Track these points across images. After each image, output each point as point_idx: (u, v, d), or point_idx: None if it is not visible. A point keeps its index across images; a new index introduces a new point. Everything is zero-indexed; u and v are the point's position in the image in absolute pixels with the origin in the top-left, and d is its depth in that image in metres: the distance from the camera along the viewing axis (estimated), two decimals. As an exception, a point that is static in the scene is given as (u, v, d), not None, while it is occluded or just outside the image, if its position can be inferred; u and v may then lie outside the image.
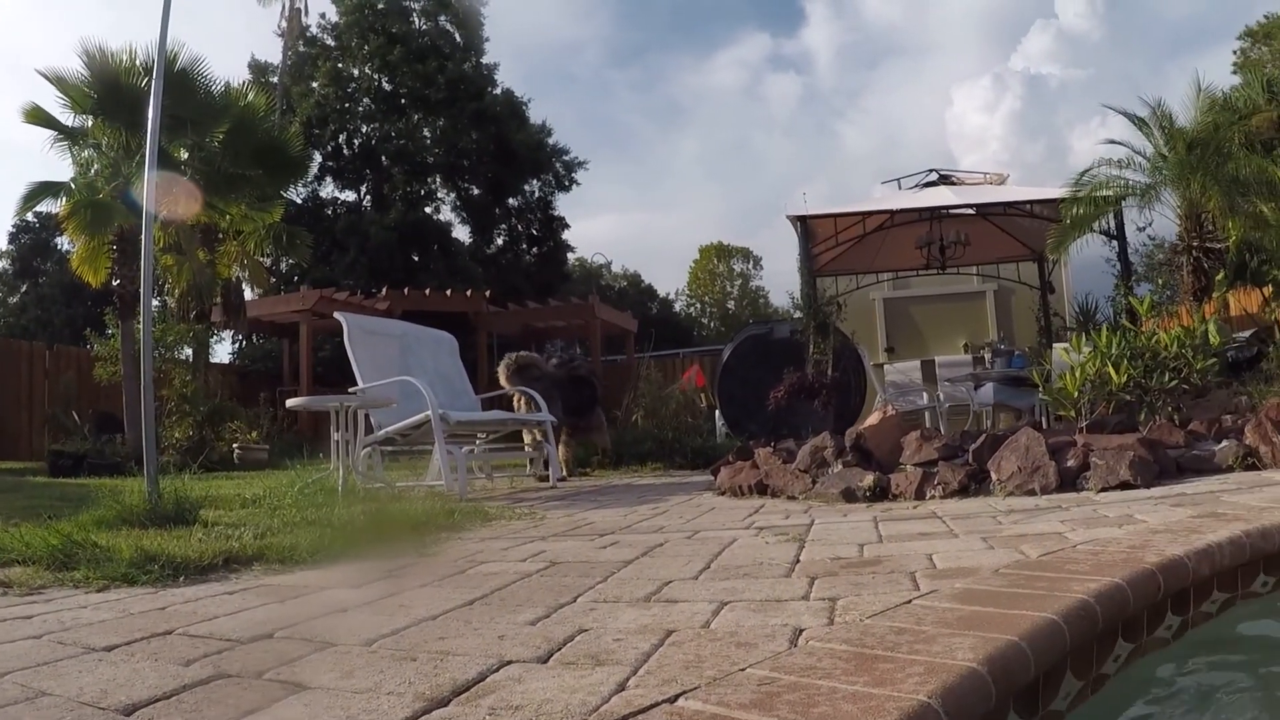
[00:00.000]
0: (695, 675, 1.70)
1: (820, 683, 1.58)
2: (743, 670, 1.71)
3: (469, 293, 22.78)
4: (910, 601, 2.24)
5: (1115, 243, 11.06)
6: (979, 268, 14.78)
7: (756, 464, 6.41)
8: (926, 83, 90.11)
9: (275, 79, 34.43)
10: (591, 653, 1.95)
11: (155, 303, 13.46)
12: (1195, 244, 10.56)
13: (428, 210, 35.06)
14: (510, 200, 37.02)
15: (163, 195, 12.32)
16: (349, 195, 35.84)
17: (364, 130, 35.39)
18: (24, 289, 35.92)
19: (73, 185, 13.85)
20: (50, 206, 14.81)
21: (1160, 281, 17.86)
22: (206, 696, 1.77)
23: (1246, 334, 10.53)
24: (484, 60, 36.77)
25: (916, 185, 13.78)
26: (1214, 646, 2.49)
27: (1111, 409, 6.23)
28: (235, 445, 13.26)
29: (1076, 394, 6.01)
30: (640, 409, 11.81)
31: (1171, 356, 5.98)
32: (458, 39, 36.23)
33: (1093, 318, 10.82)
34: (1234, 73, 28.06)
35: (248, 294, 17.94)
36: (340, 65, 35.06)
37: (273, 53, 45.58)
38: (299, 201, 32.11)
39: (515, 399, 9.24)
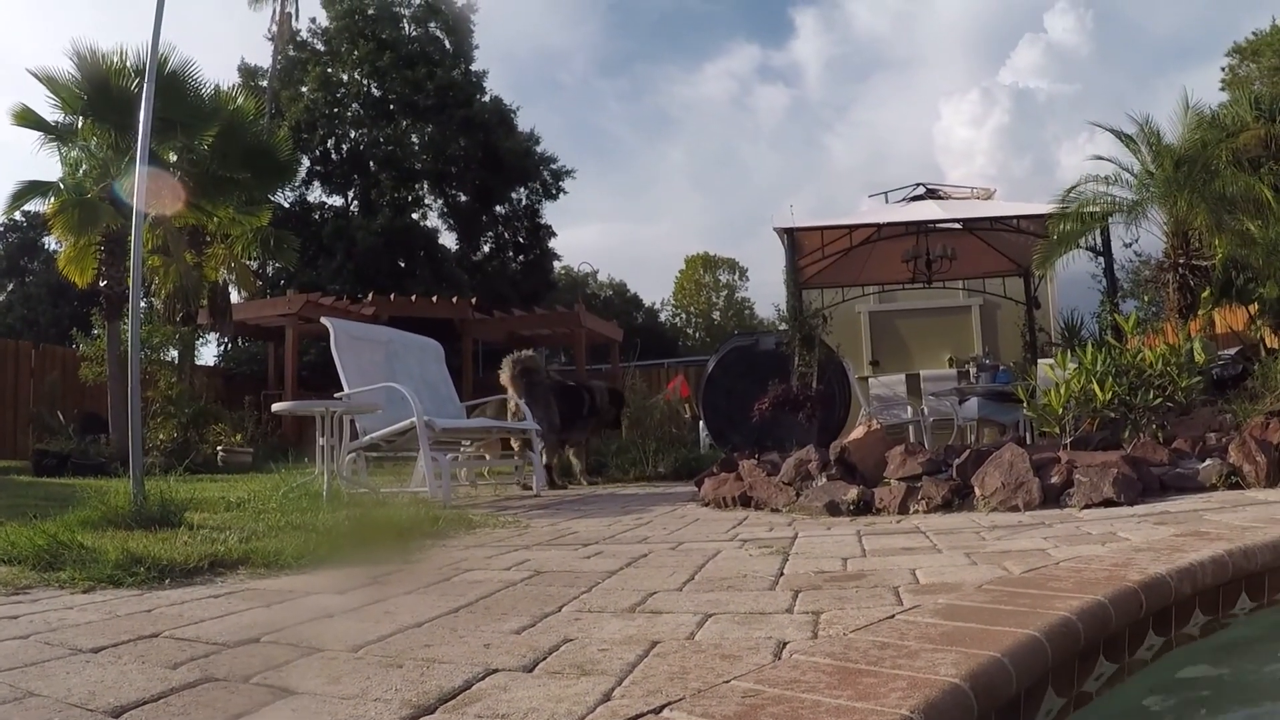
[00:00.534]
0: (680, 686, 1.72)
1: (804, 696, 1.60)
2: (727, 682, 1.73)
3: (455, 299, 22.75)
4: (894, 616, 2.26)
5: (1101, 259, 11.12)
6: (965, 282, 14.84)
7: (741, 476, 6.42)
8: (914, 96, 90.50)
9: (265, 83, 34.39)
10: (577, 662, 1.96)
11: (142, 304, 13.43)
12: (1181, 261, 10.61)
13: (415, 216, 35.01)
14: (497, 208, 37.01)
15: (150, 195, 12.28)
16: (336, 200, 35.78)
17: (352, 135, 35.32)
18: (10, 288, 35.75)
19: (61, 185, 13.82)
20: (38, 206, 14.76)
21: (1146, 298, 17.95)
22: (194, 700, 1.77)
23: (1232, 351, 10.57)
24: (473, 67, 36.76)
25: (903, 199, 13.82)
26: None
27: (1096, 426, 6.26)
28: (220, 448, 13.21)
29: (1061, 410, 6.03)
30: (625, 419, 11.82)
31: (1157, 374, 6.00)
32: (447, 45, 36.21)
33: (1078, 334, 10.87)
34: (1222, 89, 28.29)
35: (234, 297, 17.90)
36: (330, 70, 34.99)
37: (263, 57, 45.45)
38: (286, 205, 32.04)
39: (509, 406, 9.24)
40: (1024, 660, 1.81)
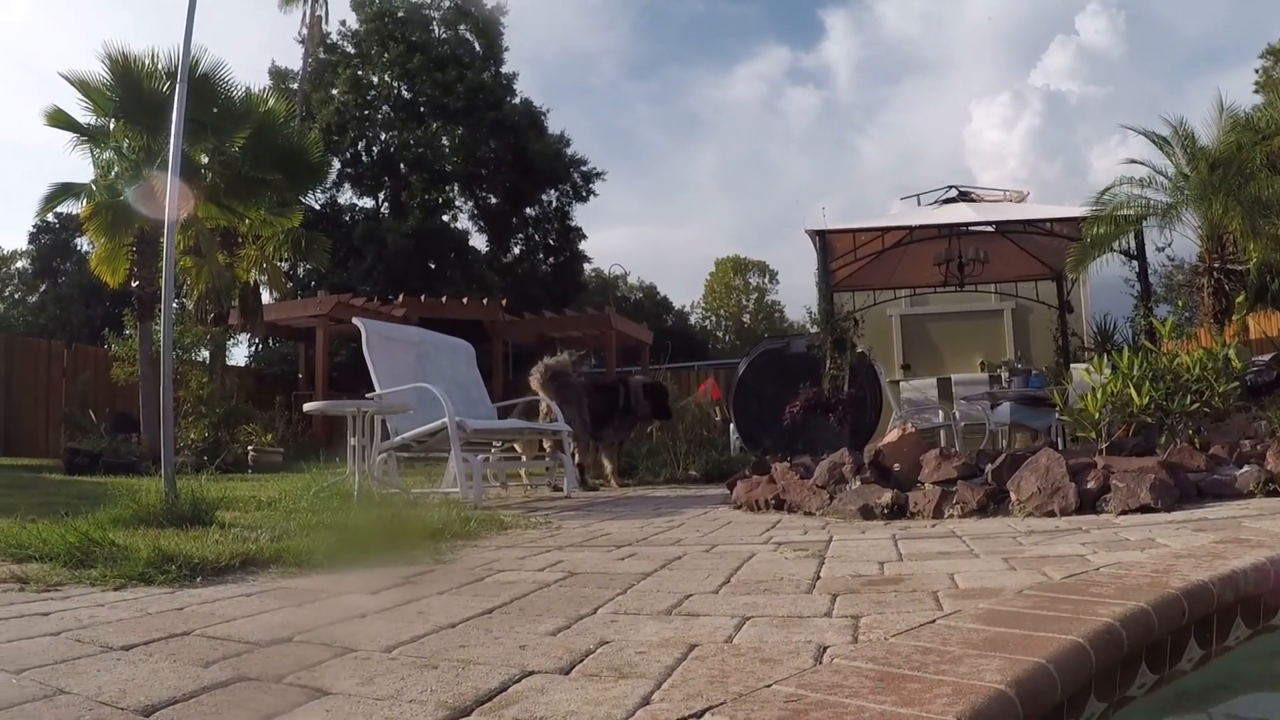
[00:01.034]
0: (720, 690, 1.69)
1: (848, 701, 1.56)
2: (769, 686, 1.70)
3: (485, 301, 22.83)
4: (934, 621, 2.22)
5: (1135, 263, 11.01)
6: (997, 286, 14.76)
7: (773, 479, 6.38)
8: (945, 98, 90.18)
9: (295, 85, 34.63)
10: (614, 665, 1.93)
11: (174, 305, 13.53)
12: (1216, 265, 10.50)
13: (445, 218, 35.21)
14: (528, 210, 37.15)
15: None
16: (367, 202, 36.05)
17: (383, 138, 35.54)
18: (43, 288, 36.22)
19: (94, 187, 13.96)
20: (70, 208, 14.92)
21: (1179, 303, 17.77)
22: (226, 699, 1.76)
23: (1267, 358, 10.45)
24: (503, 70, 36.94)
25: (936, 201, 13.73)
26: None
27: (1131, 431, 6.19)
28: (250, 447, 13.30)
29: (1097, 415, 5.96)
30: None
31: (1194, 379, 5.93)
32: (477, 48, 36.39)
33: (1111, 338, 10.77)
34: (1256, 92, 28.02)
35: (265, 298, 18.05)
36: (360, 73, 35.22)
37: (293, 59, 45.86)
38: (317, 207, 32.32)
39: (542, 408, 9.24)
40: (1069, 667, 1.77)
